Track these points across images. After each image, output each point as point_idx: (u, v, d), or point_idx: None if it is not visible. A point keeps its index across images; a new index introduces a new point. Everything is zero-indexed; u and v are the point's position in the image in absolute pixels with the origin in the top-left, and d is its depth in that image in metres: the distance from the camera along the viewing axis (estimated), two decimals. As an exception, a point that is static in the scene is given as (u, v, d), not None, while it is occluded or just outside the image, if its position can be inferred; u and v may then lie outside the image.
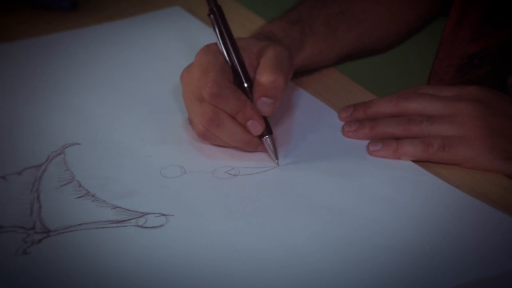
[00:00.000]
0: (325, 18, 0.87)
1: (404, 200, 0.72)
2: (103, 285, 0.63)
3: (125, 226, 0.68)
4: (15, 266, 0.64)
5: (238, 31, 0.91)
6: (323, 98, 0.85)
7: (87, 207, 0.70)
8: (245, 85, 0.75)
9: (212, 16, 0.77)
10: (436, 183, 0.74)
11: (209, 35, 0.94)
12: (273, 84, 0.74)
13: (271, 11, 0.91)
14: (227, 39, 0.76)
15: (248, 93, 0.75)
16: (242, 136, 0.75)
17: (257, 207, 0.70)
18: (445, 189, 0.73)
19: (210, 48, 0.76)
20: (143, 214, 0.69)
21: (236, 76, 0.76)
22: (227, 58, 0.76)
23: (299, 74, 0.87)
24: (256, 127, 0.74)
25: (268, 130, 0.75)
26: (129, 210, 0.70)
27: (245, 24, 0.84)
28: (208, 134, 0.76)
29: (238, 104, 0.74)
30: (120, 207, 0.70)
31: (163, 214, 0.69)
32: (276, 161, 0.75)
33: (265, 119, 0.75)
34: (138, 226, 0.68)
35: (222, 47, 0.76)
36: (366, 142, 0.78)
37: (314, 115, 0.82)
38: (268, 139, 0.75)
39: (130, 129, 0.80)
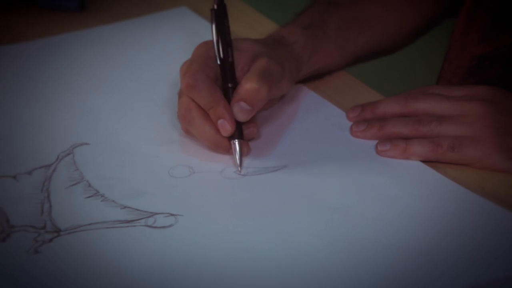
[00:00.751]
0: (337, 22, 0.88)
1: (413, 200, 0.73)
2: (114, 284, 0.64)
3: (135, 226, 0.69)
4: (27, 265, 0.65)
5: (246, 31, 0.92)
6: (331, 98, 0.85)
7: (96, 207, 0.71)
8: (229, 85, 0.76)
9: (213, 11, 0.78)
10: (445, 183, 0.74)
11: (215, 35, 0.95)
12: (256, 92, 0.75)
13: (279, 12, 0.92)
14: (221, 37, 0.77)
15: (230, 94, 0.76)
16: (211, 135, 0.75)
17: (266, 207, 0.71)
18: (454, 189, 0.74)
19: (206, 44, 0.78)
20: (152, 214, 0.70)
21: (222, 75, 0.77)
22: (217, 55, 0.77)
23: (311, 78, 0.87)
24: (225, 127, 0.74)
25: (239, 135, 0.75)
26: (138, 210, 0.71)
27: (252, 24, 0.85)
28: (187, 130, 0.77)
29: (212, 100, 0.74)
30: (129, 207, 0.71)
31: (172, 214, 0.70)
32: (239, 168, 0.75)
33: (238, 123, 0.75)
34: (148, 226, 0.69)
35: (215, 43, 0.77)
36: (374, 142, 0.79)
37: (321, 115, 0.83)
38: (236, 143, 0.75)
39: (138, 129, 0.81)
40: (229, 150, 0.76)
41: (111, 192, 0.72)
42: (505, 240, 0.68)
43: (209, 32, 0.95)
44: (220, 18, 0.78)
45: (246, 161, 0.76)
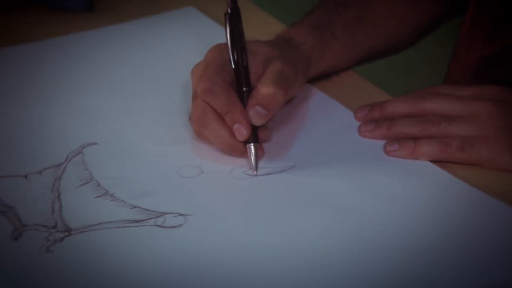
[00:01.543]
0: (345, 23, 0.88)
1: (423, 201, 0.73)
2: (125, 283, 0.64)
3: (144, 225, 0.70)
4: (39, 263, 0.66)
5: (254, 32, 0.92)
6: (338, 98, 0.86)
7: (106, 207, 0.72)
8: (244, 89, 0.77)
9: (227, 15, 0.79)
10: (455, 183, 0.75)
11: (222, 35, 0.96)
12: (272, 96, 0.75)
13: (286, 12, 0.92)
14: (236, 40, 0.78)
15: (245, 98, 0.76)
16: (227, 139, 0.76)
17: (274, 207, 0.72)
18: (464, 189, 0.74)
19: (219, 47, 0.79)
20: (162, 214, 0.71)
21: (237, 79, 0.77)
22: (231, 59, 0.77)
23: (317, 78, 0.88)
24: (241, 131, 0.75)
25: (255, 139, 0.76)
26: (147, 209, 0.71)
27: (260, 25, 0.85)
28: (200, 133, 0.77)
29: (228, 104, 0.75)
30: (138, 207, 0.72)
31: (181, 214, 0.71)
32: (255, 172, 0.76)
33: (254, 127, 0.76)
34: (157, 225, 0.70)
35: (229, 47, 0.78)
36: (383, 142, 0.79)
37: (329, 115, 0.83)
38: (252, 147, 0.76)
39: (146, 129, 0.82)
40: (244, 154, 0.76)
41: (120, 192, 0.73)
42: None
43: (216, 32, 0.97)
44: (234, 21, 0.78)
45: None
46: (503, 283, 0.65)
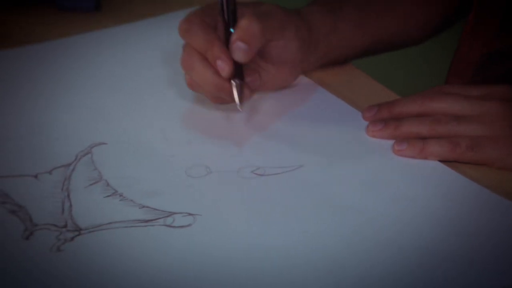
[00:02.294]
0: (357, 4, 0.88)
1: (432, 200, 0.73)
2: (136, 283, 0.65)
3: (153, 225, 0.70)
4: (51, 262, 0.67)
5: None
6: (346, 98, 0.86)
7: (115, 206, 0.72)
8: (231, 30, 0.77)
9: None
10: (465, 183, 0.75)
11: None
12: (249, 29, 0.76)
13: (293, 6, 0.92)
14: None
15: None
16: (212, 78, 0.77)
17: (283, 207, 0.72)
18: (474, 190, 0.74)
19: None
20: (171, 214, 0.71)
21: (224, 20, 0.78)
22: (219, 2, 0.78)
23: (328, 64, 0.88)
24: (223, 67, 0.76)
25: (239, 76, 0.77)
26: (156, 209, 0.72)
27: None
28: (192, 82, 0.79)
29: (206, 40, 0.76)
30: (147, 207, 0.72)
31: (190, 214, 0.71)
32: (239, 106, 0.77)
33: (239, 65, 0.77)
34: (166, 225, 0.70)
35: None
36: (391, 142, 0.79)
37: (337, 115, 0.84)
38: (234, 83, 0.77)
39: (154, 129, 0.82)
40: (231, 94, 0.77)
41: (130, 192, 0.74)
42: None
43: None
44: None
45: (264, 160, 0.77)
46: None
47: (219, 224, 0.70)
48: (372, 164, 0.77)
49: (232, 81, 0.77)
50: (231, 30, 0.77)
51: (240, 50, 0.76)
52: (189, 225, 0.70)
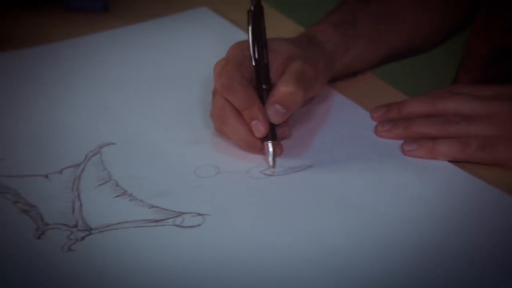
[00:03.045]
0: (368, 19, 0.88)
1: (441, 200, 0.73)
2: (145, 282, 0.65)
3: (163, 225, 0.71)
4: (62, 262, 0.67)
5: (268, 33, 0.93)
6: (354, 98, 0.86)
7: (125, 206, 0.73)
8: (264, 86, 0.77)
9: (250, 12, 0.79)
10: (475, 183, 0.75)
11: (237, 35, 0.97)
12: (291, 95, 0.76)
13: (302, 13, 0.93)
14: (258, 38, 0.78)
15: (264, 96, 0.77)
16: (244, 135, 0.77)
17: (292, 207, 0.72)
18: (485, 190, 0.74)
19: (241, 44, 0.79)
20: (180, 214, 0.72)
21: (257, 76, 0.78)
22: (252, 57, 0.78)
23: (342, 77, 0.88)
24: (259, 128, 0.76)
25: (273, 136, 0.76)
26: (166, 209, 0.72)
27: (274, 25, 0.86)
28: (221, 129, 0.78)
29: (246, 100, 0.76)
30: (157, 207, 0.73)
31: (199, 214, 0.72)
32: (272, 169, 0.76)
33: (272, 125, 0.76)
34: (176, 225, 0.71)
35: (251, 44, 0.78)
36: (399, 142, 0.79)
37: (345, 115, 0.84)
38: (270, 145, 0.76)
39: (163, 129, 0.83)
40: (261, 150, 0.77)
41: (139, 192, 0.74)
42: None
43: (230, 32, 0.98)
44: (256, 19, 0.79)
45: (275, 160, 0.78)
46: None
47: (229, 224, 0.70)
48: (381, 164, 0.77)
49: (266, 144, 0.77)
50: (264, 86, 0.77)
51: (278, 114, 0.76)
52: (198, 225, 0.70)
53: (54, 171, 0.77)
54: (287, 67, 0.78)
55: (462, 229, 0.70)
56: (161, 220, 0.71)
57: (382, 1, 0.91)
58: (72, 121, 0.84)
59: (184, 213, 0.72)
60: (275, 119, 0.76)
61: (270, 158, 0.76)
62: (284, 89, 0.76)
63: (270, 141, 0.76)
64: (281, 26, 0.98)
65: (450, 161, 0.77)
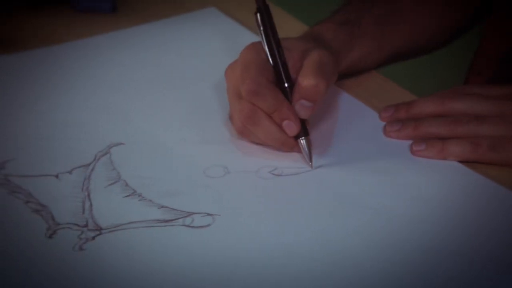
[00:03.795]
0: (374, 18, 0.88)
1: (451, 201, 0.73)
2: (155, 282, 0.66)
3: (173, 225, 0.71)
4: (74, 261, 0.68)
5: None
6: (362, 98, 0.86)
7: (134, 206, 0.73)
8: (286, 85, 0.77)
9: (258, 14, 0.79)
10: (486, 183, 0.75)
11: (245, 35, 0.97)
12: (315, 88, 0.76)
13: (307, 12, 0.93)
14: (271, 38, 0.78)
15: (288, 94, 0.77)
16: (277, 135, 0.77)
17: (301, 207, 0.73)
18: (495, 190, 0.74)
19: (255, 46, 0.79)
20: (190, 214, 0.72)
21: (277, 76, 0.78)
22: (270, 57, 0.78)
23: (346, 76, 0.88)
24: (292, 127, 0.76)
25: (305, 132, 0.77)
26: (175, 209, 0.73)
27: (280, 24, 0.86)
28: (245, 131, 0.78)
29: (275, 103, 0.76)
30: (166, 207, 0.73)
31: (209, 214, 0.72)
32: (310, 163, 0.77)
33: (302, 121, 0.77)
34: (186, 225, 0.71)
35: (266, 46, 0.78)
36: (408, 142, 0.79)
37: (354, 115, 0.84)
38: (304, 141, 0.77)
39: (172, 129, 0.83)
40: (294, 148, 0.78)
41: (148, 192, 0.74)
42: None
43: (238, 32, 0.98)
44: (265, 19, 0.79)
45: (281, 162, 0.78)
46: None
47: (238, 225, 0.71)
48: (390, 164, 0.77)
49: (300, 141, 0.77)
50: (286, 85, 0.78)
51: (305, 109, 0.76)
52: (208, 225, 0.71)
53: (64, 171, 0.77)
54: (304, 60, 0.78)
55: (472, 230, 0.70)
56: (171, 220, 0.71)
57: (386, 2, 0.91)
58: (82, 121, 0.84)
59: (193, 213, 0.72)
60: (303, 114, 0.76)
61: (306, 155, 0.77)
62: (306, 82, 0.76)
63: (303, 138, 0.77)
64: (286, 25, 0.98)
65: (459, 161, 0.77)
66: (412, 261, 0.67)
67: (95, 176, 0.77)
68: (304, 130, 0.77)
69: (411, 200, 0.73)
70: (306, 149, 0.77)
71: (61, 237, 0.70)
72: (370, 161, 0.78)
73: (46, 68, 0.93)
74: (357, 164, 0.77)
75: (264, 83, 0.76)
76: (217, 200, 0.74)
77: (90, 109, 0.86)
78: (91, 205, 0.73)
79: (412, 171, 0.77)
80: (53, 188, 0.75)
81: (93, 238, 0.70)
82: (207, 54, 0.95)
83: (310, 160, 0.77)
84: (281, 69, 0.78)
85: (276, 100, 0.76)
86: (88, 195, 0.75)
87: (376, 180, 0.75)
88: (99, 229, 0.71)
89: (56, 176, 0.77)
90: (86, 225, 0.71)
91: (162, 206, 0.73)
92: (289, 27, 0.97)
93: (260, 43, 0.79)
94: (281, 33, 0.81)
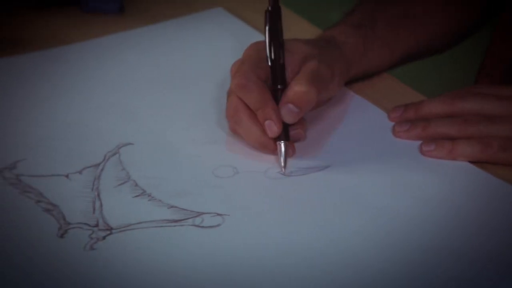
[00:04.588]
0: (387, 20, 0.89)
1: (462, 201, 0.73)
2: (165, 282, 0.66)
3: (182, 225, 0.71)
4: (85, 260, 0.68)
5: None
6: (371, 99, 0.87)
7: (144, 206, 0.73)
8: (279, 87, 0.78)
9: (268, 13, 0.79)
10: (496, 184, 0.75)
11: (252, 35, 0.97)
12: (305, 94, 0.76)
13: (316, 13, 0.93)
14: (274, 38, 0.78)
15: (279, 96, 0.77)
16: (258, 136, 0.77)
17: (310, 207, 0.73)
18: (506, 191, 0.74)
19: (258, 44, 0.80)
20: (199, 214, 0.72)
21: (273, 76, 0.78)
22: (268, 57, 0.78)
23: (359, 78, 0.89)
24: (272, 128, 0.76)
25: (286, 137, 0.77)
26: (185, 209, 0.73)
27: (289, 26, 0.87)
28: (235, 129, 0.79)
29: (260, 101, 0.76)
30: (176, 207, 0.73)
31: (218, 214, 0.72)
32: (283, 170, 0.77)
33: (285, 125, 0.77)
34: (195, 225, 0.71)
35: (267, 44, 0.79)
36: (417, 142, 0.79)
37: (362, 115, 0.84)
38: (282, 145, 0.77)
39: (180, 129, 0.83)
40: (274, 151, 0.77)
41: (158, 192, 0.75)
42: None
43: (245, 32, 0.98)
44: (274, 19, 0.79)
45: (290, 161, 0.78)
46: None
47: (248, 225, 0.71)
48: (399, 164, 0.78)
49: (278, 143, 0.77)
50: (279, 86, 0.78)
51: (291, 113, 0.76)
52: (218, 225, 0.71)
53: (74, 171, 0.78)
54: (302, 67, 0.78)
55: (483, 230, 0.70)
56: (180, 220, 0.72)
57: (400, 3, 0.91)
58: (91, 122, 0.84)
59: (203, 213, 0.72)
60: (288, 118, 0.76)
61: (282, 159, 0.77)
62: (297, 88, 0.76)
63: (282, 142, 0.77)
64: (296, 27, 0.99)
65: (469, 162, 0.77)
66: (424, 262, 0.67)
67: (104, 176, 0.77)
68: (286, 134, 0.77)
69: (421, 201, 0.73)
70: (283, 153, 0.77)
71: (72, 236, 0.70)
72: (379, 162, 0.78)
73: (55, 69, 0.93)
74: (366, 164, 0.78)
75: (253, 79, 0.76)
76: (226, 200, 0.74)
77: (98, 109, 0.86)
78: (101, 205, 0.74)
79: (421, 171, 0.77)
80: (63, 188, 0.76)
81: (104, 237, 0.70)
82: (214, 54, 0.95)
83: (284, 166, 0.77)
84: (277, 69, 0.78)
85: (262, 97, 0.76)
86: (98, 195, 0.75)
87: (385, 181, 0.76)
88: (109, 229, 0.71)
89: (67, 176, 0.77)
90: (96, 225, 0.71)
91: (172, 206, 0.73)
92: (299, 29, 0.98)
93: (263, 42, 0.79)
94: (290, 35, 0.82)
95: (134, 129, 0.83)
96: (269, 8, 0.80)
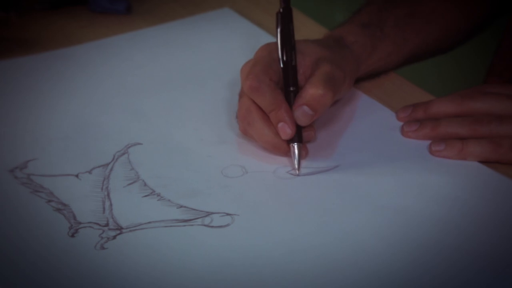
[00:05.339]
0: (395, 20, 0.89)
1: (473, 201, 0.73)
2: (175, 281, 0.67)
3: (192, 225, 0.72)
4: (95, 259, 0.69)
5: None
6: (379, 99, 0.87)
7: (154, 206, 0.74)
8: (291, 89, 0.78)
9: (279, 14, 0.79)
10: (508, 184, 0.75)
11: (259, 35, 0.98)
12: (321, 97, 0.76)
13: (325, 14, 0.93)
14: (286, 40, 0.78)
15: (291, 98, 0.77)
16: (270, 138, 0.77)
17: (319, 207, 0.73)
18: None
19: (269, 46, 0.80)
20: (208, 214, 0.73)
21: (285, 78, 0.78)
22: (281, 58, 0.78)
23: (367, 77, 0.89)
24: (285, 130, 0.76)
25: (299, 138, 0.77)
26: (194, 209, 0.73)
27: (298, 26, 0.87)
28: (246, 131, 0.79)
29: (273, 102, 0.76)
30: (185, 206, 0.74)
31: (228, 214, 0.72)
32: (297, 171, 0.77)
33: (298, 127, 0.77)
34: (205, 225, 0.71)
35: (279, 46, 0.78)
36: (426, 142, 0.79)
37: (371, 115, 0.84)
38: (295, 147, 0.77)
39: (189, 129, 0.84)
40: (287, 153, 0.78)
41: (167, 192, 0.75)
42: None
43: (252, 32, 0.98)
44: (285, 21, 0.79)
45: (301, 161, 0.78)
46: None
47: (257, 224, 0.71)
48: (408, 164, 0.78)
49: (292, 145, 0.77)
50: (291, 88, 0.78)
51: (305, 115, 0.76)
52: (227, 225, 0.71)
53: (84, 171, 0.78)
54: (315, 69, 0.78)
55: (493, 230, 0.70)
56: (190, 220, 0.72)
57: (407, 2, 0.91)
58: (100, 122, 0.85)
59: (212, 213, 0.73)
60: (302, 120, 0.76)
61: (296, 160, 0.77)
62: (313, 91, 0.76)
63: (296, 143, 0.77)
64: (305, 28, 0.99)
65: (479, 162, 0.77)
66: (434, 262, 0.67)
67: (114, 176, 0.78)
68: (299, 136, 0.77)
69: (431, 201, 0.73)
70: (297, 155, 0.77)
71: (83, 236, 0.71)
72: (388, 162, 0.78)
73: (63, 69, 0.93)
74: (375, 164, 0.78)
75: (265, 81, 0.76)
76: (236, 200, 0.74)
77: (107, 109, 0.87)
78: (111, 204, 0.74)
79: (431, 171, 0.77)
80: (74, 187, 0.76)
81: (114, 237, 0.71)
82: (221, 54, 0.96)
83: (298, 167, 0.77)
84: (289, 71, 0.78)
85: (275, 99, 0.76)
86: (108, 195, 0.75)
87: (394, 181, 0.76)
88: (119, 228, 0.71)
89: (77, 176, 0.78)
90: (107, 224, 0.72)
91: (181, 206, 0.74)
92: (308, 29, 0.98)
93: (276, 43, 0.79)
94: (299, 36, 0.82)
95: (143, 129, 0.83)
96: (281, 10, 0.80)
